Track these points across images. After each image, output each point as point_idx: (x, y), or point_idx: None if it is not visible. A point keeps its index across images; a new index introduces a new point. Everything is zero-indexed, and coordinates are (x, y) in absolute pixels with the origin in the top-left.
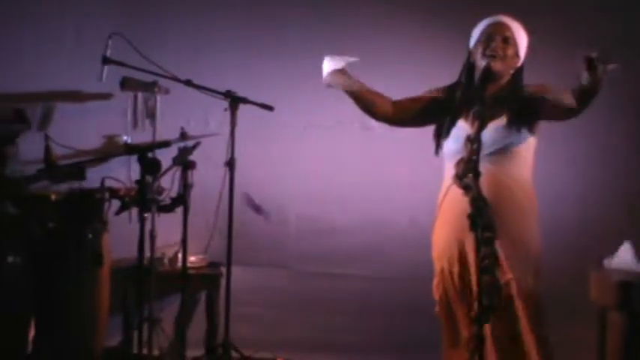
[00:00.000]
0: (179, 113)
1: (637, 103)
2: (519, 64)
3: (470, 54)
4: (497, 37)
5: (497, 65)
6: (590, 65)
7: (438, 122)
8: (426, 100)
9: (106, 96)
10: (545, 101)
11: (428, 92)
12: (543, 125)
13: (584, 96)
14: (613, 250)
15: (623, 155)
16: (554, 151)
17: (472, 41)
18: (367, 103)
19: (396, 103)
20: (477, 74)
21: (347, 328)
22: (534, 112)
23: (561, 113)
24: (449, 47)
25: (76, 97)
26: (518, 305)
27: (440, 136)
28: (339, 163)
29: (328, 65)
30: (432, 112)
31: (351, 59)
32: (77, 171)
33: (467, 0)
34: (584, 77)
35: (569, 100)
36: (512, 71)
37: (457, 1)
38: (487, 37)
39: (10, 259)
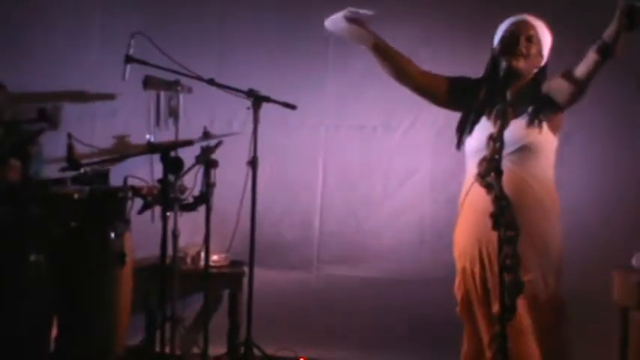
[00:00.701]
0: (202, 112)
1: None
2: (542, 63)
3: (494, 52)
4: (521, 36)
5: (520, 64)
6: (630, 12)
7: (460, 109)
8: (457, 82)
9: (110, 96)
10: (559, 79)
11: (460, 76)
12: (566, 123)
13: (600, 61)
14: (636, 249)
15: None
16: (578, 151)
17: (496, 39)
18: (399, 61)
19: (425, 72)
20: (500, 72)
21: (367, 328)
22: (553, 103)
23: (572, 82)
24: (455, 46)
25: (80, 97)
26: (541, 304)
27: (462, 132)
28: (362, 165)
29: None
30: (458, 97)
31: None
32: (102, 178)
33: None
34: (611, 27)
35: (578, 70)
36: (535, 70)
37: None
38: (511, 35)
39: (33, 258)
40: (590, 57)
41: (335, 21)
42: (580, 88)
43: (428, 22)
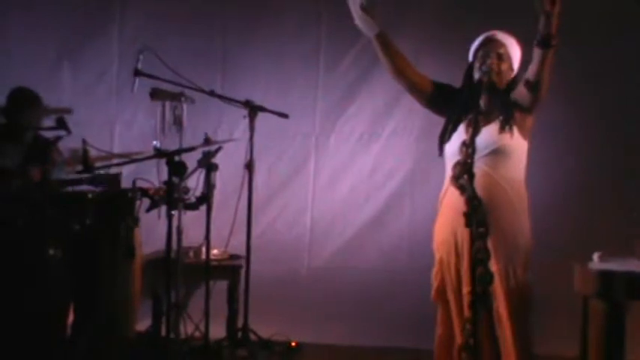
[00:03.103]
0: (204, 121)
1: (616, 109)
2: (513, 76)
3: (469, 66)
4: (492, 54)
5: (491, 79)
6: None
7: (438, 112)
8: (441, 87)
9: (67, 110)
10: (521, 86)
11: (445, 83)
12: (536, 130)
13: (544, 53)
14: (597, 245)
15: (606, 160)
16: (548, 156)
17: (471, 55)
18: (398, 57)
19: (418, 72)
20: (474, 84)
21: (353, 314)
22: (522, 108)
23: (529, 87)
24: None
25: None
26: (506, 293)
27: (443, 139)
28: (349, 168)
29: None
30: (439, 101)
31: None
32: (114, 181)
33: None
34: (541, 20)
35: (529, 73)
36: (506, 82)
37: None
38: (483, 53)
39: (52, 252)
40: (535, 53)
41: (354, 4)
42: (537, 89)
43: (415, 36)
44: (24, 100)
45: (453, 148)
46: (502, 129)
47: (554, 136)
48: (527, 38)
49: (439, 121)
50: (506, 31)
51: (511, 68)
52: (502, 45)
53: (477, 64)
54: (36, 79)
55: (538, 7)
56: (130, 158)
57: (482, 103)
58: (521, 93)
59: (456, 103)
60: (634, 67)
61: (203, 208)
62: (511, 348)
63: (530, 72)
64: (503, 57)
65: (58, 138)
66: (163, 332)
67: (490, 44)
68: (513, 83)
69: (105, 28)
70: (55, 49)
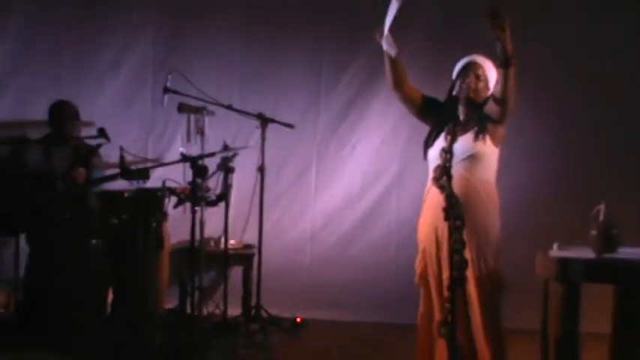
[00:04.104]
0: (222, 130)
1: (574, 118)
2: (489, 94)
3: (452, 83)
4: (472, 74)
5: (469, 95)
6: (494, 20)
7: (425, 121)
8: (429, 100)
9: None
10: (490, 102)
11: (433, 97)
12: (508, 138)
13: (505, 72)
14: (556, 236)
15: (564, 167)
16: (518, 163)
17: (454, 74)
18: (401, 74)
19: (412, 87)
20: (454, 100)
21: (350, 294)
22: (493, 120)
23: (497, 102)
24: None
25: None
26: (477, 277)
27: (427, 145)
28: (345, 170)
29: (390, 12)
30: (427, 112)
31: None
32: (145, 173)
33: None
34: (498, 47)
35: (495, 91)
36: (482, 99)
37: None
38: (464, 74)
39: (94, 242)
40: (498, 73)
41: (388, 19)
42: (504, 104)
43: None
44: (64, 113)
45: (435, 153)
46: (476, 138)
47: (522, 145)
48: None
49: (422, 132)
50: (486, 54)
51: (487, 87)
52: (480, 67)
53: (458, 82)
54: (82, 96)
55: (492, 33)
56: (160, 162)
57: (460, 115)
58: (491, 107)
59: (440, 114)
60: (595, 73)
61: (222, 204)
62: (479, 324)
63: (496, 90)
64: (480, 77)
65: (99, 145)
66: (188, 310)
67: (470, 66)
68: (488, 100)
69: (141, 54)
70: (99, 70)
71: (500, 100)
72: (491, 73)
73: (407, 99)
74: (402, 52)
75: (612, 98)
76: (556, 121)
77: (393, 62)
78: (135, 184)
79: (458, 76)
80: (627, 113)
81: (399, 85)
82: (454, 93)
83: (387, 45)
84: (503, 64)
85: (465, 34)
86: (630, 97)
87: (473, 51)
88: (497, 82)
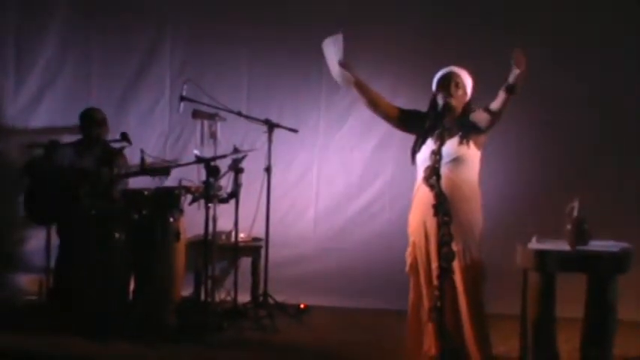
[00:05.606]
0: (233, 134)
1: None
2: (467, 99)
3: (433, 93)
4: (451, 83)
5: (451, 101)
6: (520, 58)
7: (406, 131)
8: (406, 113)
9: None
10: (481, 111)
11: (410, 109)
12: (491, 140)
13: (507, 97)
14: (534, 230)
15: (544, 166)
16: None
17: (434, 85)
18: (372, 95)
19: (387, 103)
20: (439, 108)
21: (350, 282)
22: (477, 127)
23: (490, 114)
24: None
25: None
26: (462, 268)
27: (414, 151)
28: (344, 171)
29: (329, 55)
30: (406, 123)
31: (339, 37)
32: (166, 170)
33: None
34: (513, 73)
35: (492, 105)
36: (462, 105)
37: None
38: (444, 83)
39: (117, 235)
40: (500, 96)
41: (330, 61)
42: (494, 118)
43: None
44: (92, 119)
45: (423, 156)
46: (461, 142)
47: (505, 147)
48: (488, 69)
49: (412, 138)
50: (463, 65)
51: (465, 93)
52: (457, 76)
53: (439, 93)
54: (109, 103)
55: (513, 64)
56: (177, 163)
57: (446, 122)
58: (480, 117)
59: (424, 123)
60: (575, 73)
61: (232, 201)
62: (465, 309)
63: (493, 106)
64: (459, 85)
65: (123, 148)
66: (202, 297)
67: (449, 76)
68: (468, 106)
69: (159, 65)
70: (123, 80)
71: (494, 114)
72: (467, 80)
73: (384, 116)
74: (362, 75)
75: (590, 100)
76: (534, 126)
77: (358, 87)
78: (157, 182)
79: (438, 86)
80: (602, 116)
81: (373, 104)
82: (439, 102)
83: (340, 80)
84: (509, 90)
85: (453, 34)
86: (607, 99)
87: (455, 53)
88: (496, 99)
